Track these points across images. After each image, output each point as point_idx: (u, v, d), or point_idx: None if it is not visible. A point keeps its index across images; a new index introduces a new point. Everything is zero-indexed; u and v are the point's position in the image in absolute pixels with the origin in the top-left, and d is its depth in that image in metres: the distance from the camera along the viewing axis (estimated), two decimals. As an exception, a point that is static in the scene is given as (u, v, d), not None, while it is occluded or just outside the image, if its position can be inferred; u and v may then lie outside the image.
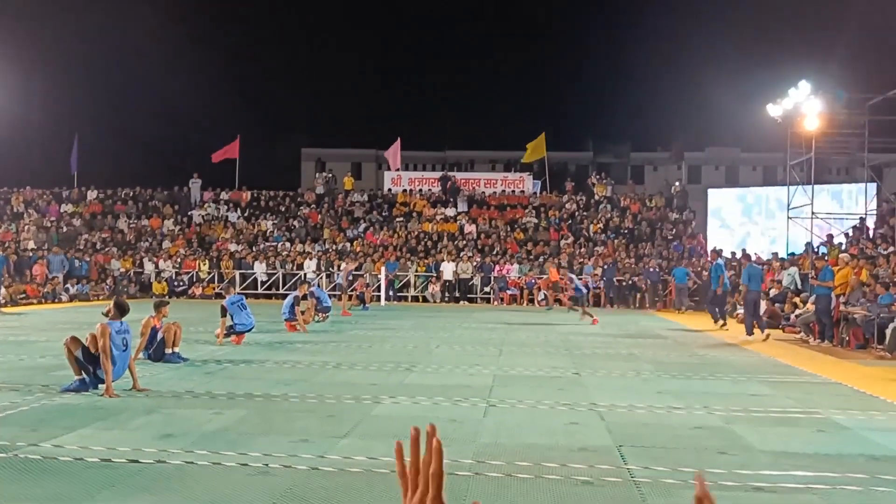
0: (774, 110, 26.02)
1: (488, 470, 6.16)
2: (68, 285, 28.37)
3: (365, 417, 8.07)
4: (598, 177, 39.96)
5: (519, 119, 77.68)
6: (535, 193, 37.95)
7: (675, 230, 34.14)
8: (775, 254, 26.20)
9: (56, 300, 26.90)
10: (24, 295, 26.00)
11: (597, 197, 37.17)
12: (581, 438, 7.29)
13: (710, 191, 36.91)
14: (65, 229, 34.94)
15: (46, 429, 7.28)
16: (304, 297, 18.62)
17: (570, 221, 35.12)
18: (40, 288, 27.16)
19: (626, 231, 34.33)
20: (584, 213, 35.79)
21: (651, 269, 29.39)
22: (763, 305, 20.95)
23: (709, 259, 22.98)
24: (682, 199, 36.74)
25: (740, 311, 22.86)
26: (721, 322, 20.40)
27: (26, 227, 34.35)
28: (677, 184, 38.69)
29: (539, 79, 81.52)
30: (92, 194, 37.76)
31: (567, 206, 36.28)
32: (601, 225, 34.62)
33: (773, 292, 22.02)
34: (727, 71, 71.19)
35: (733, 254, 28.39)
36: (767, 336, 17.47)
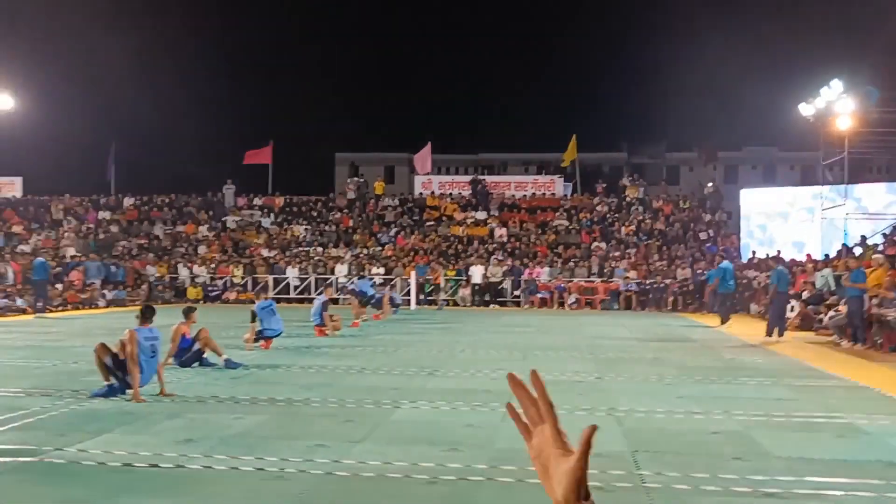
0: (807, 109, 25.74)
1: (501, 475, 6.21)
2: (105, 291, 28.94)
3: (383, 422, 8.17)
4: (630, 178, 39.76)
5: (552, 121, 77.49)
6: (566, 196, 37.86)
7: (708, 231, 33.84)
8: (809, 255, 25.86)
9: (93, 306, 27.45)
10: (62, 301, 26.57)
11: (628, 199, 36.98)
12: (596, 444, 7.23)
13: (742, 191, 36.46)
14: (102, 236, 35.64)
15: (73, 433, 7.48)
16: (334, 302, 18.82)
17: (601, 224, 34.97)
18: (78, 294, 27.74)
19: (658, 233, 34.12)
20: (616, 216, 35.62)
21: (699, 272, 29.08)
22: (796, 308, 20.74)
23: (716, 263, 23.29)
24: (715, 199, 36.40)
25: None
26: (725, 321, 21.01)
27: (65, 235, 35.10)
28: (710, 184, 38.34)
29: (573, 80, 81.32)
30: (128, 201, 38.47)
31: (598, 208, 36.15)
32: (633, 227, 34.43)
33: (805, 294, 21.73)
34: (764, 68, 70.39)
35: (767, 255, 28.07)
36: (780, 337, 17.48)
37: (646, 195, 37.47)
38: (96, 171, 39.78)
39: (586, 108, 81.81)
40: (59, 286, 27.79)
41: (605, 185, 39.46)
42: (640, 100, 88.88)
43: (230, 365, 12.07)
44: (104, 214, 37.51)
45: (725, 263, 22.42)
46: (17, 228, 35.97)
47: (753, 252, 30.78)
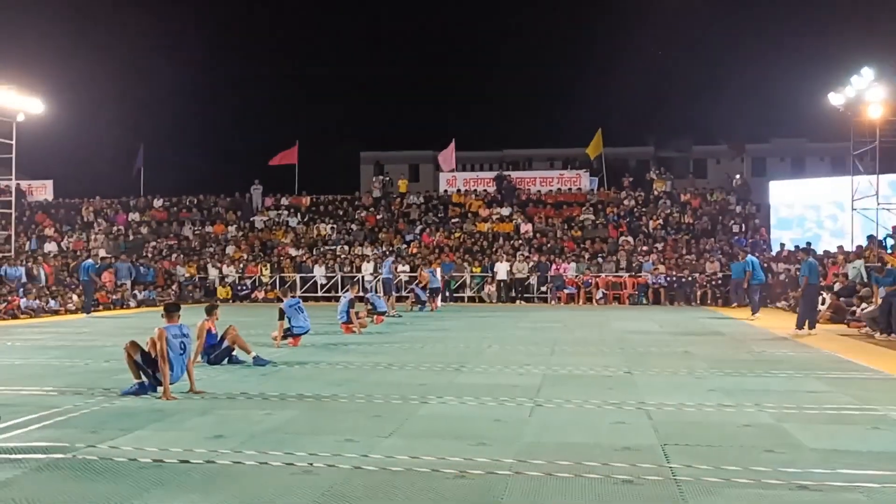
0: (836, 99, 25.36)
1: (528, 469, 6.19)
2: (136, 291, 29.27)
3: (410, 417, 8.18)
4: (657, 172, 39.47)
5: (577, 115, 77.23)
6: (592, 190, 37.67)
7: (737, 224, 33.50)
8: (840, 247, 25.50)
9: (124, 306, 27.78)
10: (94, 301, 26.90)
11: (656, 192, 36.71)
12: (625, 437, 7.26)
13: (772, 183, 36.06)
14: (132, 237, 36.06)
15: (105, 430, 7.56)
16: (360, 300, 18.89)
17: (628, 218, 34.75)
18: (109, 295, 28.08)
19: (686, 226, 33.83)
20: (643, 210, 35.37)
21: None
22: (827, 300, 20.47)
23: (740, 258, 23.14)
24: (743, 192, 36.03)
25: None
26: (754, 314, 21.15)
27: (96, 236, 35.55)
28: (738, 176, 37.97)
29: (598, 74, 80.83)
30: (157, 202, 38.89)
31: (625, 202, 35.92)
32: (661, 221, 34.17)
33: (837, 286, 21.43)
34: (791, 59, 69.55)
35: (797, 247, 27.73)
36: (812, 330, 17.25)
37: (673, 188, 37.19)
38: (125, 173, 40.28)
39: (612, 103, 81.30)
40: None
41: (631, 179, 39.21)
42: (667, 93, 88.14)
43: (259, 362, 12.15)
44: (134, 216, 37.96)
45: (750, 257, 22.41)
46: (48, 231, 36.51)
47: (782, 245, 30.42)
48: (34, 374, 11.36)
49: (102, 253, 33.17)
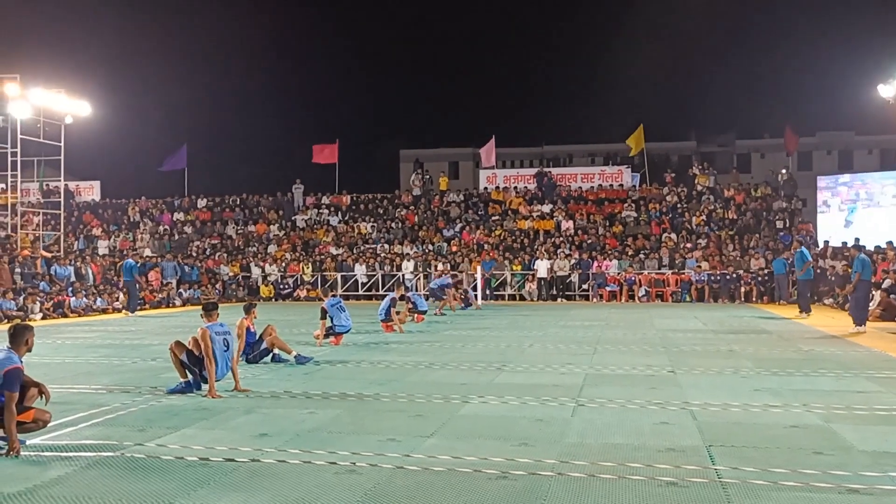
0: (886, 91, 24.81)
1: (571, 470, 6.15)
2: (181, 290, 29.74)
3: (452, 417, 8.18)
4: (700, 167, 38.98)
5: (618, 111, 76.51)
6: (634, 187, 37.35)
7: (780, 220, 32.94)
8: (889, 242, 24.91)
9: (170, 305, 28.25)
10: (141, 301, 27.39)
11: (699, 188, 36.25)
12: (670, 438, 7.18)
13: (819, 178, 35.37)
14: (177, 237, 36.63)
15: (152, 429, 7.70)
16: (402, 299, 18.96)
17: (671, 214, 34.37)
18: (155, 294, 28.57)
19: (730, 222, 33.36)
20: (686, 206, 34.96)
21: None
22: (877, 297, 20.04)
23: (792, 249, 22.53)
24: (789, 186, 35.40)
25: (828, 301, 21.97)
26: (805, 312, 20.21)
27: (141, 236, 36.19)
28: (784, 171, 37.30)
29: (639, 68, 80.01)
30: (201, 202, 39.45)
31: (668, 198, 35.54)
32: (704, 217, 33.74)
33: (887, 283, 20.95)
34: (838, 50, 68.08)
35: (844, 243, 27.17)
36: (861, 327, 16.84)
37: (717, 184, 36.67)
38: (171, 174, 40.89)
39: (653, 97, 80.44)
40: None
41: (674, 175, 38.78)
42: (709, 87, 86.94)
43: (300, 360, 12.27)
44: (178, 216, 38.55)
45: (803, 248, 21.79)
46: (96, 230, 37.25)
47: (825, 241, 29.85)
48: (84, 373, 11.61)
49: (148, 252, 33.78)
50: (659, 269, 30.29)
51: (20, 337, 7.07)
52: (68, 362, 12.89)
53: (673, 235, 32.48)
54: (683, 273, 29.66)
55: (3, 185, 32.87)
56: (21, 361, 6.90)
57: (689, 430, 7.51)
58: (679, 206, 34.96)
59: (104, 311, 25.10)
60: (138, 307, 25.27)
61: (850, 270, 20.31)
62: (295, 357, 12.34)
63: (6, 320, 20.41)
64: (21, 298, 22.97)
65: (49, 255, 28.30)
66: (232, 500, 5.42)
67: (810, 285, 21.87)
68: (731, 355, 13.07)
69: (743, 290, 28.41)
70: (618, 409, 8.60)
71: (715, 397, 9.14)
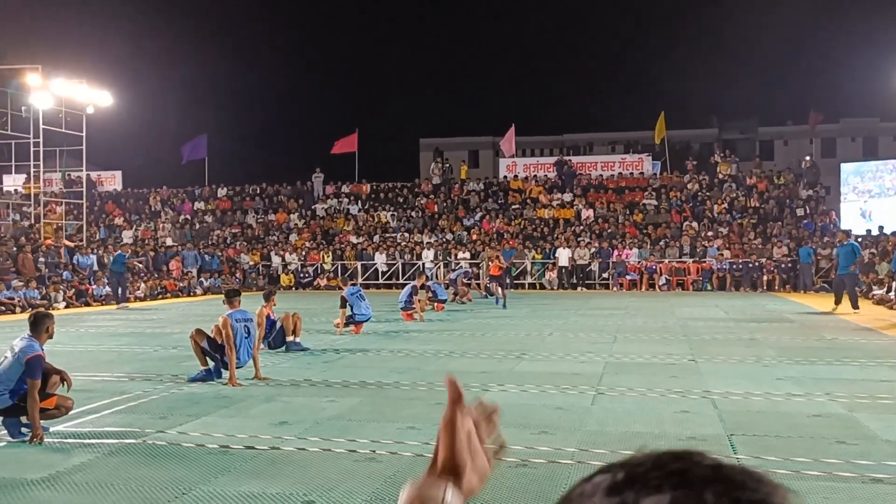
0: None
1: (591, 458, 6.12)
2: (202, 279, 29.94)
3: (472, 405, 8.15)
4: (721, 155, 38.63)
5: (639, 98, 75.90)
6: (654, 175, 37.08)
7: (801, 208, 32.61)
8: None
9: (191, 294, 28.45)
10: (162, 289, 27.62)
11: (720, 176, 35.94)
12: (690, 427, 7.14)
13: (843, 165, 34.95)
14: (198, 226, 36.85)
15: (174, 416, 7.75)
16: (422, 287, 18.97)
17: (692, 202, 34.12)
18: (176, 282, 28.78)
19: (752, 210, 33.07)
20: (708, 194, 34.69)
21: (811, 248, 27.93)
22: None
23: (838, 241, 21.82)
24: (812, 174, 35.02)
25: (878, 291, 21.69)
26: (837, 305, 19.37)
27: (163, 225, 36.44)
28: (808, 158, 36.89)
29: (659, 55, 79.36)
30: (222, 192, 39.63)
31: (689, 186, 35.27)
32: (725, 205, 33.46)
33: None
34: (862, 35, 67.08)
35: (868, 231, 26.85)
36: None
37: (739, 171, 36.34)
38: (191, 163, 41.09)
39: (674, 84, 79.80)
40: (156, 275, 28.90)
41: (695, 163, 38.47)
42: (731, 73, 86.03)
43: (296, 348, 12.38)
44: (199, 205, 38.77)
45: (852, 241, 20.36)
46: (118, 220, 37.55)
47: (847, 231, 29.48)
48: (106, 361, 11.71)
49: (169, 241, 34.02)
50: (680, 257, 30.09)
51: (41, 325, 7.13)
52: (91, 350, 13.02)
53: (694, 224, 32.24)
54: (704, 261, 29.45)
55: (26, 176, 33.20)
56: (42, 349, 6.97)
57: (711, 419, 7.45)
58: (700, 193, 34.69)
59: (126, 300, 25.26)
60: (128, 300, 24.45)
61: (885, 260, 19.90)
62: (293, 341, 12.45)
63: (30, 309, 20.64)
64: (44, 287, 23.22)
65: (72, 244, 28.56)
66: (252, 488, 5.44)
67: (854, 279, 20.33)
68: (752, 344, 12.97)
69: (765, 278, 28.17)
70: (638, 397, 8.56)
71: (736, 386, 9.07)
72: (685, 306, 21.09)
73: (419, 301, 18.04)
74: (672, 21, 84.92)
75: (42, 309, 10.71)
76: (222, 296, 10.64)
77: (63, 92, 28.92)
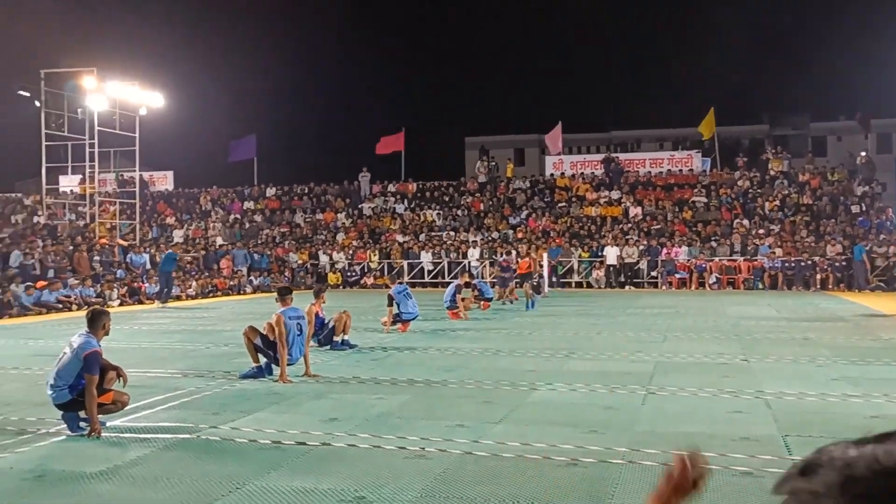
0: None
1: (642, 458, 6.06)
2: (251, 277, 30.35)
3: (521, 404, 8.15)
4: (773, 151, 37.92)
5: (687, 94, 74.83)
6: (704, 172, 36.56)
7: (856, 205, 31.84)
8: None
9: (241, 292, 28.85)
10: (213, 288, 28.06)
11: (772, 172, 35.28)
12: (744, 427, 7.02)
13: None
14: (247, 225, 37.36)
15: (226, 412, 7.87)
16: (467, 285, 18.97)
17: (743, 200, 33.57)
18: (227, 281, 29.22)
19: (805, 208, 32.40)
20: (759, 191, 34.09)
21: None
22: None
23: None
24: (867, 170, 34.18)
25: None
26: None
27: (213, 225, 37.02)
28: (863, 154, 36.03)
29: (707, 49, 78.08)
30: (270, 191, 40.12)
31: (739, 183, 34.69)
32: (777, 202, 32.85)
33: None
34: (919, 28, 65.13)
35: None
36: None
37: (791, 168, 35.64)
38: (240, 163, 41.66)
39: (723, 80, 78.50)
40: (207, 274, 29.37)
41: (745, 159, 37.82)
42: (781, 68, 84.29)
43: (344, 346, 12.42)
44: (248, 204, 39.30)
45: None
46: (169, 219, 38.25)
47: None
48: (160, 357, 11.94)
49: (219, 241, 34.55)
50: (730, 255, 29.62)
51: (98, 321, 7.29)
52: (144, 347, 13.28)
53: (745, 221, 31.72)
54: (756, 260, 28.94)
55: (82, 176, 33.99)
56: (99, 345, 7.13)
57: (764, 419, 7.33)
58: (751, 191, 34.11)
59: (178, 298, 25.74)
60: (170, 299, 24.53)
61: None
62: (340, 340, 12.48)
63: (85, 306, 21.13)
64: (99, 285, 23.75)
65: (125, 243, 29.18)
66: (304, 483, 5.50)
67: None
68: (806, 343, 12.71)
69: (818, 277, 27.58)
70: (689, 397, 8.45)
71: (790, 386, 8.89)
72: (736, 305, 20.76)
73: (463, 300, 18.05)
74: (722, 15, 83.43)
75: (98, 306, 10.95)
76: (274, 294, 10.74)
77: (117, 94, 29.56)
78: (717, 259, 29.36)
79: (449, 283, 21.62)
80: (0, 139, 44.96)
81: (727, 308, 19.82)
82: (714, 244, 30.14)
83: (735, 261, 29.23)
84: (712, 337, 13.75)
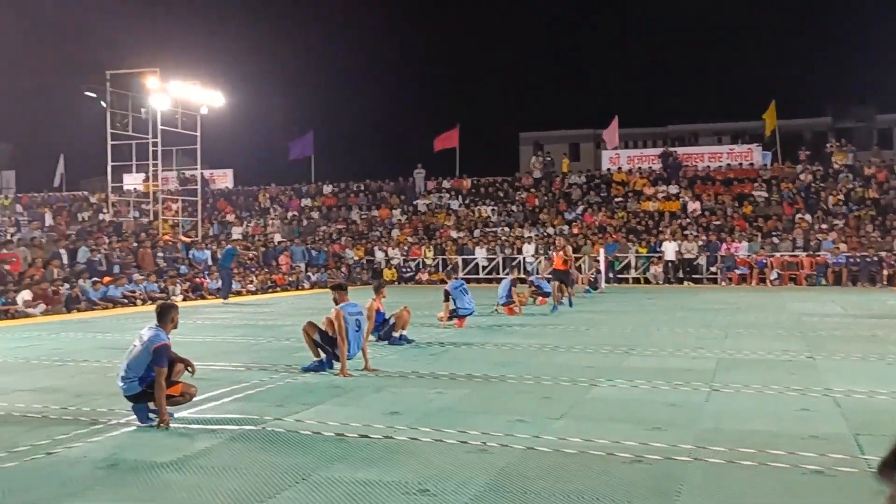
0: None
1: (709, 456, 5.97)
2: (309, 273, 30.74)
3: (581, 399, 8.10)
4: (836, 144, 36.96)
5: (746, 86, 73.31)
6: (765, 165, 35.84)
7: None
8: None
9: (299, 287, 29.24)
10: (272, 283, 28.50)
11: (836, 166, 34.39)
12: (812, 425, 6.87)
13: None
14: (305, 222, 37.85)
15: (290, 405, 7.99)
16: (521, 281, 18.89)
17: (805, 194, 32.78)
18: (286, 276, 29.65)
19: (870, 202, 31.50)
20: (822, 185, 33.26)
21: None
22: None
23: None
24: (938, 163, 33.08)
25: None
26: None
27: (272, 222, 37.59)
28: (932, 147, 34.87)
29: (767, 41, 76.39)
30: (327, 189, 40.58)
31: (801, 177, 33.90)
32: (841, 196, 32.01)
33: None
34: None
35: None
36: None
37: (856, 161, 34.68)
38: (297, 161, 42.20)
39: (784, 71, 76.67)
40: (267, 269, 29.82)
41: (808, 153, 36.93)
42: (846, 58, 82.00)
43: (402, 342, 12.48)
44: (306, 202, 39.82)
45: None
46: (229, 217, 38.96)
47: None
48: (223, 351, 12.17)
49: (278, 237, 35.06)
50: (792, 251, 28.97)
51: (167, 315, 7.46)
52: (208, 341, 13.55)
53: (807, 216, 30.99)
54: (819, 255, 28.26)
55: (145, 175, 34.81)
56: (168, 338, 7.29)
57: (834, 418, 7.16)
58: (814, 185, 33.30)
59: (238, 294, 26.20)
60: (230, 294, 24.66)
61: None
62: (399, 336, 12.53)
63: (150, 301, 21.65)
64: (162, 281, 24.30)
65: (188, 239, 29.81)
66: (369, 475, 5.55)
67: None
68: (874, 341, 12.38)
69: (885, 273, 26.80)
70: (754, 394, 8.29)
71: (859, 384, 8.67)
72: (799, 301, 20.31)
73: (518, 295, 17.99)
74: (780, 6, 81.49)
75: (166, 301, 11.20)
76: (329, 290, 10.77)
77: (179, 93, 30.20)
78: (778, 254, 28.74)
79: (503, 279, 21.56)
80: (67, 139, 46.38)
81: (789, 304, 19.40)
82: (775, 239, 29.52)
83: (797, 256, 28.59)
84: (775, 333, 13.47)
